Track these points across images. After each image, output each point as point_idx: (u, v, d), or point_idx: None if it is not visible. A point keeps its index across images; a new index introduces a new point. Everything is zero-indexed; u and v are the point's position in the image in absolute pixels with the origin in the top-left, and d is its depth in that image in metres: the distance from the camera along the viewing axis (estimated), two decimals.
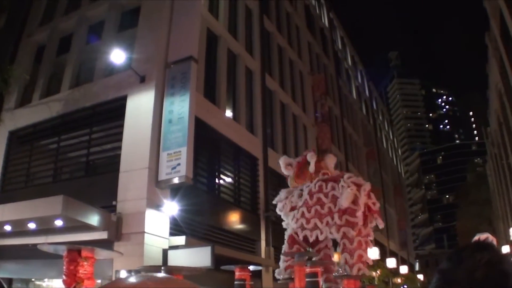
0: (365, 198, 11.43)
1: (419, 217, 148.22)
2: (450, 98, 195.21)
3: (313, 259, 11.56)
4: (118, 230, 13.99)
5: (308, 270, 10.14)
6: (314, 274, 10.10)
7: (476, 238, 15.27)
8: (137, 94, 16.17)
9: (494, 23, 41.09)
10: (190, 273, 8.69)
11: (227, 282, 12.40)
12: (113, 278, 13.35)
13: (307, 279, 10.05)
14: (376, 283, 31.66)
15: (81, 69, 19.97)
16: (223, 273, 13.06)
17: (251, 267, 11.13)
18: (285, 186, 25.86)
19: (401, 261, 52.48)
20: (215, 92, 20.42)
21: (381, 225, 11.99)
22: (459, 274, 1.40)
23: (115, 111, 16.64)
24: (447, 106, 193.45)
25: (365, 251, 11.63)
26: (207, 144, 19.22)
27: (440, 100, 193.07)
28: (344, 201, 11.15)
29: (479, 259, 1.39)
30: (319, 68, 37.39)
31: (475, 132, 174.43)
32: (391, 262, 41.69)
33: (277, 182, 24.93)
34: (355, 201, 11.28)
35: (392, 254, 48.48)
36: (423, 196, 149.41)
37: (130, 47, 17.29)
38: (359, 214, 11.22)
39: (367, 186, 11.56)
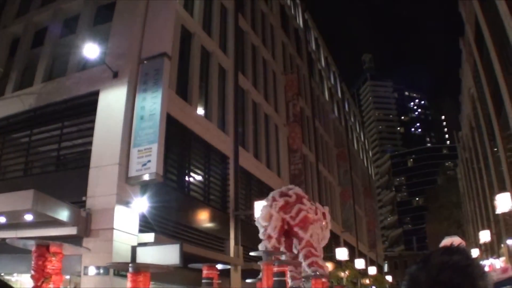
0: (280, 214, 12.12)
1: (389, 218, 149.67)
2: (423, 102, 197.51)
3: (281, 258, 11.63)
4: (88, 226, 13.87)
5: (275, 269, 10.19)
6: (282, 273, 10.16)
7: (445, 240, 15.52)
8: (109, 90, 16.04)
9: (469, 28, 41.62)
10: (158, 271, 8.66)
11: (195, 280, 12.41)
12: (82, 274, 13.27)
13: (275, 278, 10.11)
14: (344, 283, 31.95)
15: (54, 63, 19.72)
16: (191, 271, 13.07)
17: (219, 266, 11.15)
18: (255, 185, 26.00)
19: (370, 262, 53.01)
20: (187, 90, 20.35)
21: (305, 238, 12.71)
22: (425, 276, 1.41)
23: (87, 106, 16.46)
24: (419, 110, 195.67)
25: (312, 257, 12.01)
26: (178, 142, 19.17)
27: (412, 103, 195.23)
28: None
29: (446, 261, 1.40)
30: (292, 68, 37.47)
31: (447, 136, 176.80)
32: (359, 263, 42.12)
33: (247, 181, 25.01)
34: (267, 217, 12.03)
35: (361, 255, 48.95)
36: (393, 198, 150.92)
37: (105, 42, 17.13)
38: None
39: (279, 202, 12.17)
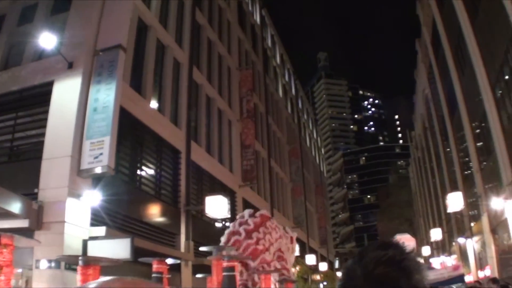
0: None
1: (340, 215, 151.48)
2: (377, 101, 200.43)
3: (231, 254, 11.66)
4: (39, 219, 13.63)
5: (225, 264, 10.23)
6: (231, 268, 10.20)
7: (396, 238, 15.84)
8: (64, 80, 15.77)
9: (426, 30, 42.43)
10: (108, 264, 8.61)
11: (146, 274, 12.33)
12: (34, 267, 13.07)
13: (224, 273, 10.15)
14: (295, 279, 32.18)
15: (10, 52, 19.22)
16: (142, 265, 13.01)
17: (169, 261, 11.14)
18: (207, 180, 25.98)
19: (320, 258, 53.57)
20: (141, 82, 20.18)
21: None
22: (361, 270, 1.41)
23: (41, 97, 16.11)
24: (373, 109, 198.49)
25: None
26: (130, 135, 19.02)
27: (366, 102, 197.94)
28: None
29: (382, 256, 1.40)
30: (248, 64, 37.54)
31: (400, 135, 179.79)
32: (310, 259, 42.56)
33: (199, 176, 24.97)
34: None
35: (312, 251, 49.41)
36: (344, 195, 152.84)
37: (61, 32, 16.82)
38: None
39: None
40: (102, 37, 16.58)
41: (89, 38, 16.44)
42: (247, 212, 12.07)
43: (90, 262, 7.51)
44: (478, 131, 29.94)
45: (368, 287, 1.37)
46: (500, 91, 23.55)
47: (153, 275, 10.52)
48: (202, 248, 11.56)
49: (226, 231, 13.17)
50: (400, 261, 1.39)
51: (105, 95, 15.31)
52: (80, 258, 7.59)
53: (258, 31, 44.22)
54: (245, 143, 32.15)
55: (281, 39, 55.25)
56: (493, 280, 13.89)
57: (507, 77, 22.25)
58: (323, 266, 48.08)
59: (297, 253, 35.46)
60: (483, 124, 27.76)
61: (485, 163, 29.17)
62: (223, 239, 12.83)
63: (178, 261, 16.46)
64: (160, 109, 21.83)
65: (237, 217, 13.06)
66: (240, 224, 11.88)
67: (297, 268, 33.81)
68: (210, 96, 28.40)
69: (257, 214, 11.98)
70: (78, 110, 15.15)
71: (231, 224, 12.70)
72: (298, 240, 42.89)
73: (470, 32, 26.11)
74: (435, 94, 44.22)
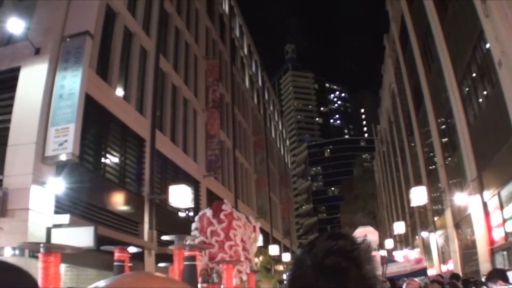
0: None
1: (304, 207, 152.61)
2: (343, 94, 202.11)
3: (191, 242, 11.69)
4: (3, 206, 13.48)
5: (186, 253, 10.26)
6: (192, 258, 10.24)
7: (359, 230, 16.07)
8: (30, 66, 15.54)
9: (395, 26, 42.87)
10: (70, 252, 8.59)
11: (108, 263, 12.33)
12: None
13: (185, 263, 10.18)
14: (258, 269, 32.38)
15: None
16: (105, 254, 12.98)
17: (131, 249, 11.14)
18: (171, 169, 25.92)
19: (284, 249, 53.84)
20: (107, 70, 20.01)
21: None
22: (311, 261, 1.41)
23: (7, 82, 15.82)
24: (339, 102, 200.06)
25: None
26: (95, 122, 18.86)
27: (332, 95, 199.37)
28: None
29: (332, 246, 1.40)
30: (215, 53, 37.45)
31: (365, 128, 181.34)
32: (274, 249, 42.80)
33: (163, 164, 24.92)
34: None
35: (275, 242, 49.70)
36: (308, 187, 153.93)
37: (29, 17, 16.56)
38: None
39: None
40: (70, 24, 16.39)
41: (57, 24, 16.23)
42: (209, 212, 12.00)
43: (51, 249, 7.49)
44: (443, 127, 30.44)
45: (318, 277, 1.37)
46: (467, 88, 23.96)
47: (115, 263, 10.52)
48: (164, 237, 11.59)
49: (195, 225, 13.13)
50: (350, 251, 1.39)
51: (71, 82, 15.18)
52: (41, 245, 7.57)
53: (226, 21, 44.14)
54: (210, 133, 32.13)
55: (249, 30, 55.26)
56: (455, 276, 14.19)
57: (474, 74, 22.64)
58: (286, 257, 48.36)
59: (260, 243, 35.74)
60: (448, 121, 28.23)
61: (449, 158, 29.68)
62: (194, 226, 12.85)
63: (141, 250, 16.45)
64: (125, 97, 21.71)
65: (200, 217, 13.00)
66: (212, 234, 11.88)
67: (260, 258, 34.01)
68: (176, 85, 28.30)
69: (222, 215, 11.96)
70: (44, 96, 14.99)
71: (198, 222, 12.69)
72: (262, 231, 43.03)
73: (439, 29, 26.47)
74: (401, 89, 44.76)
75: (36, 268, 7.27)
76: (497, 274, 6.47)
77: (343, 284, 1.35)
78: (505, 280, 6.08)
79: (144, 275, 1.18)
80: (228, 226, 12.10)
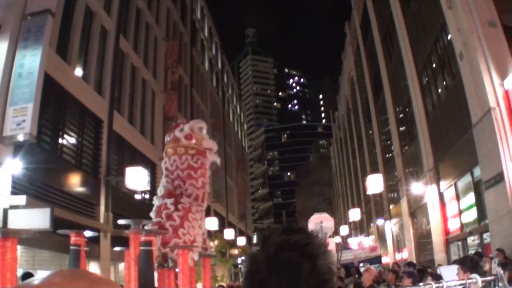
0: None
1: (260, 191, 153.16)
2: (302, 80, 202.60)
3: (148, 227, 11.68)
4: None
5: (143, 238, 10.26)
6: (149, 243, 10.25)
7: (314, 216, 16.26)
8: None
9: (357, 13, 43.14)
10: (27, 236, 8.53)
11: (64, 245, 12.28)
12: None
13: (142, 248, 10.19)
14: (213, 253, 32.46)
15: None
16: (62, 236, 12.89)
17: (87, 233, 11.09)
18: (128, 151, 25.77)
19: (239, 233, 54.06)
20: (67, 49, 19.76)
21: None
22: (264, 256, 1.40)
23: None
24: (298, 87, 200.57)
25: None
26: (53, 102, 18.61)
27: (291, 80, 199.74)
28: None
29: (285, 240, 1.39)
30: (175, 35, 37.18)
31: (323, 115, 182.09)
32: (229, 233, 42.93)
33: (121, 146, 24.78)
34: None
35: (231, 226, 49.84)
36: (265, 172, 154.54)
37: None
38: None
39: None
40: (32, 1, 16.10)
41: (18, 1, 15.92)
42: (171, 204, 11.89)
43: (8, 234, 7.43)
44: (401, 115, 30.88)
45: (271, 272, 1.36)
46: (427, 79, 24.35)
47: (71, 247, 10.47)
48: (120, 221, 11.60)
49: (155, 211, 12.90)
50: (303, 245, 1.38)
51: (31, 61, 14.95)
52: None
53: (188, 2, 43.77)
54: (168, 115, 31.99)
55: (210, 12, 54.96)
56: (411, 264, 14.52)
57: (434, 65, 23.01)
58: (241, 241, 48.64)
59: (215, 227, 35.89)
60: (407, 110, 28.65)
61: (406, 147, 30.16)
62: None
63: (97, 234, 16.39)
64: (84, 77, 21.48)
65: (163, 203, 12.89)
66: (167, 217, 11.77)
67: (215, 242, 34.12)
68: (135, 65, 28.08)
69: (180, 206, 11.92)
70: (3, 75, 14.69)
71: (156, 208, 12.59)
72: (217, 215, 43.28)
73: (401, 18, 26.79)
74: (361, 76, 45.19)
75: None
76: (470, 263, 6.53)
77: (295, 280, 1.34)
78: (473, 272, 6.17)
79: (74, 274, 1.24)
80: (184, 215, 12.11)
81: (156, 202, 11.37)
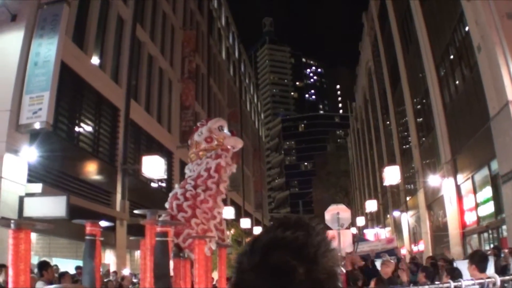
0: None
1: (276, 181, 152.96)
2: (319, 70, 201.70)
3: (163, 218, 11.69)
4: None
5: (158, 229, 10.26)
6: (164, 234, 10.25)
7: (330, 208, 16.19)
8: (6, 33, 15.21)
9: (374, 4, 42.84)
10: (42, 228, 8.58)
11: (80, 232, 12.35)
12: None
13: (157, 238, 10.19)
14: (230, 243, 32.52)
15: None
16: (78, 224, 12.99)
17: (102, 223, 11.11)
18: (144, 139, 25.85)
19: (255, 222, 54.11)
20: (84, 38, 19.81)
21: None
22: (250, 259, 1.15)
23: None
24: (315, 77, 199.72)
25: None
26: (70, 91, 18.71)
27: (309, 70, 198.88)
28: None
29: (280, 239, 1.14)
30: (192, 24, 37.10)
31: (340, 105, 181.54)
32: (245, 223, 43.02)
33: (137, 134, 24.84)
34: None
35: (247, 215, 49.85)
36: (281, 161, 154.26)
37: None
38: None
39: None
40: None
41: None
42: (181, 194, 11.88)
43: (22, 226, 7.45)
44: (419, 107, 30.66)
45: (258, 279, 1.11)
46: (444, 70, 24.12)
47: (86, 237, 10.49)
48: (136, 211, 11.62)
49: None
50: (300, 245, 1.12)
51: (47, 50, 14.99)
52: (12, 221, 7.51)
53: None
54: (184, 104, 31.99)
55: (227, 1, 54.80)
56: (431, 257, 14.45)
57: (452, 57, 22.77)
58: (258, 230, 48.64)
59: (232, 216, 35.96)
60: (424, 101, 28.43)
61: (424, 139, 29.93)
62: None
63: (112, 224, 16.48)
64: (101, 66, 21.54)
65: (174, 193, 12.84)
66: (178, 209, 11.75)
67: (232, 231, 34.20)
68: (152, 54, 28.11)
69: (188, 194, 11.86)
70: (19, 64, 14.75)
71: (171, 198, 12.54)
72: (234, 204, 43.33)
73: (419, 9, 26.55)
74: (378, 67, 44.92)
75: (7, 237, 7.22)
76: (479, 258, 6.45)
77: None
78: (480, 266, 6.10)
79: None
80: (194, 204, 12.08)
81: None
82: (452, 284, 5.31)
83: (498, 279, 5.35)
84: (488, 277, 5.52)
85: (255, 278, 1.11)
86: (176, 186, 12.40)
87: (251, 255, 1.15)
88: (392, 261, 10.92)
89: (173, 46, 32.36)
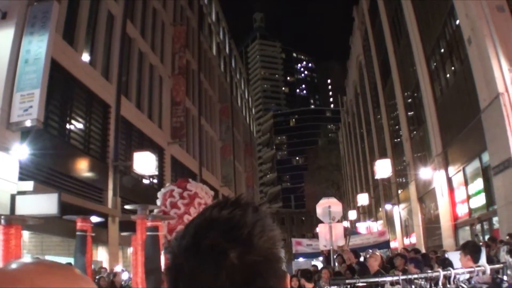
0: None
1: (268, 175, 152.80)
2: (310, 65, 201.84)
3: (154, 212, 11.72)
4: None
5: (149, 224, 10.27)
6: (155, 228, 10.26)
7: (322, 201, 16.20)
8: None
9: None
10: (32, 223, 8.56)
11: (72, 230, 12.35)
12: None
13: (148, 233, 10.20)
14: None
15: None
16: (68, 220, 12.98)
17: (93, 219, 11.12)
18: (136, 136, 25.82)
19: None
20: (74, 35, 19.75)
21: None
22: (179, 242, 1.04)
23: None
24: (306, 72, 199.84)
25: None
26: (60, 88, 18.64)
27: (299, 65, 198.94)
28: None
29: (209, 219, 1.02)
30: (182, 20, 37.02)
31: (331, 99, 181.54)
32: None
33: (128, 131, 24.80)
34: None
35: None
36: (273, 156, 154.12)
37: None
38: None
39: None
40: None
41: None
42: (177, 193, 11.89)
43: (12, 221, 7.45)
44: (410, 100, 30.76)
45: (188, 265, 1.00)
46: (435, 63, 24.20)
47: (77, 233, 10.50)
48: (127, 207, 11.63)
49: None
50: (234, 225, 1.01)
51: (37, 47, 14.96)
52: (2, 217, 7.52)
53: None
54: (175, 100, 31.97)
55: None
56: (415, 250, 14.51)
57: (442, 50, 22.85)
58: None
59: None
60: (415, 94, 28.54)
61: (415, 132, 30.04)
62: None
63: (103, 220, 16.46)
64: (91, 63, 21.48)
65: (165, 189, 12.81)
66: (172, 205, 11.77)
67: None
68: (142, 50, 28.04)
69: (186, 194, 11.86)
70: (10, 61, 14.70)
71: (161, 196, 12.53)
72: None
73: (409, 2, 26.64)
74: (369, 61, 45.02)
75: None
76: (473, 248, 6.48)
77: (216, 274, 0.96)
78: (474, 256, 6.12)
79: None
80: (190, 203, 12.08)
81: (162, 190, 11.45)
82: (442, 272, 5.35)
83: (488, 268, 5.40)
84: (478, 266, 5.57)
85: (186, 262, 1.00)
86: (168, 184, 12.42)
87: (183, 237, 1.03)
88: (378, 253, 10.93)
89: (163, 42, 32.31)
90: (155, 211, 11.95)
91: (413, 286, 5.81)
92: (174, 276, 1.03)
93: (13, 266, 0.89)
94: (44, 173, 16.50)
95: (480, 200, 19.53)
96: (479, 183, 19.49)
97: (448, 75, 22.57)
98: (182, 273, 1.00)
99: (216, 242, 0.97)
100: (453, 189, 22.93)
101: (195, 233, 1.01)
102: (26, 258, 1.02)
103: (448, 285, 5.29)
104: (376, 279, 6.35)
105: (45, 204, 13.19)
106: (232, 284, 0.96)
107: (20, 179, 14.62)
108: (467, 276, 5.65)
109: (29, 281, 0.84)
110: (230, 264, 0.96)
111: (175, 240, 1.05)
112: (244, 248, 0.98)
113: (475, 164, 19.87)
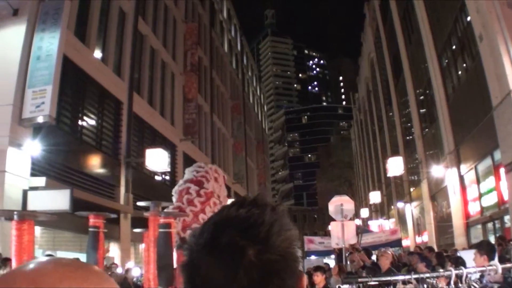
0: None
1: (280, 173, 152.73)
2: (322, 61, 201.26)
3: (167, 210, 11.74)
4: None
5: (161, 220, 10.28)
6: (167, 225, 10.27)
7: (334, 199, 16.17)
8: (8, 27, 15.24)
9: None
10: (45, 219, 8.59)
11: (84, 226, 12.39)
12: None
13: (160, 230, 10.20)
14: None
15: None
16: (81, 216, 13.03)
17: (106, 215, 11.15)
18: (148, 132, 25.86)
19: None
20: (86, 31, 19.79)
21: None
22: (197, 239, 1.06)
23: None
24: (317, 69, 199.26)
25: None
26: (72, 84, 18.70)
27: (311, 62, 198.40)
28: None
29: (227, 217, 1.05)
30: (194, 17, 37.06)
31: (343, 96, 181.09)
32: None
33: (140, 127, 24.85)
34: None
35: None
36: (285, 153, 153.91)
37: None
38: None
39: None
40: None
41: None
42: (194, 190, 11.92)
43: (25, 217, 7.49)
44: (422, 98, 30.58)
45: (205, 262, 1.02)
46: (446, 60, 24.04)
47: (90, 229, 10.53)
48: (139, 203, 11.65)
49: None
50: (252, 223, 1.03)
51: (49, 44, 15.02)
52: (15, 213, 7.56)
53: None
54: (187, 97, 32.00)
55: None
56: (429, 248, 14.44)
57: (454, 47, 22.69)
58: None
59: None
60: (427, 92, 28.36)
61: (427, 130, 29.87)
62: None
63: (115, 216, 16.51)
64: (103, 59, 21.53)
65: (181, 186, 12.83)
66: (188, 202, 11.79)
67: None
68: (154, 47, 28.07)
69: (202, 192, 11.88)
70: (22, 58, 14.78)
71: (177, 192, 12.54)
72: (237, 196, 43.30)
73: None
74: (380, 58, 44.78)
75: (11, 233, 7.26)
76: (489, 247, 6.42)
77: (234, 271, 0.98)
78: (490, 256, 6.08)
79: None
80: (206, 201, 12.10)
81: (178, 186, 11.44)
82: (454, 271, 5.31)
83: (500, 267, 5.35)
84: (490, 265, 5.52)
85: (204, 259, 1.02)
86: (181, 181, 12.41)
87: (201, 234, 1.06)
88: (389, 251, 10.88)
89: (175, 39, 32.32)
90: (170, 207, 11.98)
91: (425, 285, 5.78)
92: (191, 273, 1.04)
93: (32, 266, 0.86)
94: (56, 169, 16.57)
95: (492, 198, 19.37)
96: (491, 181, 19.34)
97: (459, 72, 22.40)
98: (199, 270, 1.02)
99: (234, 240, 1.00)
100: (465, 187, 22.76)
101: (213, 230, 1.04)
102: (45, 257, 1.00)
103: (460, 285, 5.25)
104: (389, 278, 6.32)
105: (57, 200, 13.23)
106: (250, 282, 0.98)
107: (32, 175, 14.70)
108: (478, 275, 5.61)
109: (50, 282, 0.82)
110: (248, 262, 0.98)
111: (192, 237, 1.08)
112: (262, 247, 1.00)
113: (487, 162, 19.70)
